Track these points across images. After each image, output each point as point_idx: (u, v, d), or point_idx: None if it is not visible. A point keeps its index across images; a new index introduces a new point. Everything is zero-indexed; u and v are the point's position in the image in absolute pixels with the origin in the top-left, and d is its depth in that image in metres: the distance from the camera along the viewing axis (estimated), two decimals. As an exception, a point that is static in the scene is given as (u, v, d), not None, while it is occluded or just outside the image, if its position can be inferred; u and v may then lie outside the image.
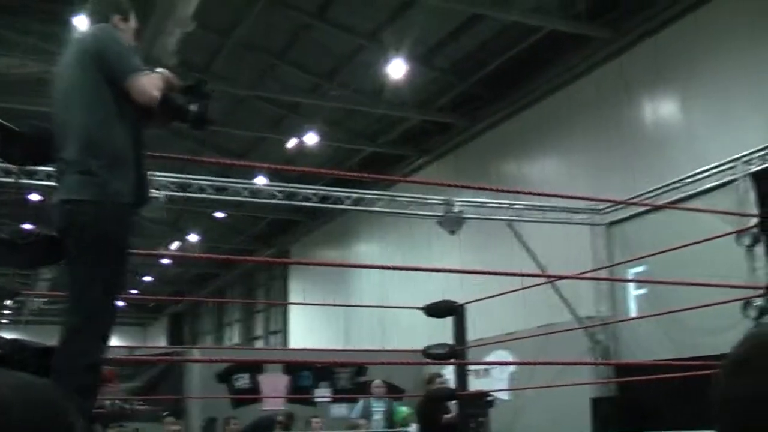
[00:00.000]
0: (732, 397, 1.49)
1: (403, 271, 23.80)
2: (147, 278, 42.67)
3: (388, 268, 8.88)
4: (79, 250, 4.54)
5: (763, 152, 13.53)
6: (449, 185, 8.30)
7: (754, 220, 12.23)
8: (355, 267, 26.17)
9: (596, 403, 15.91)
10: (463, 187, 9.60)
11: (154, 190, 12.73)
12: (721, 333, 13.00)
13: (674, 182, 15.19)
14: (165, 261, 36.81)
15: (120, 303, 5.35)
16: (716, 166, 14.40)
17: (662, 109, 17.99)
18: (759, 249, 13.09)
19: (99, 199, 4.51)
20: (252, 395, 17.98)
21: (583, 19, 18.43)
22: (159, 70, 4.81)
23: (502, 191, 9.80)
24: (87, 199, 4.51)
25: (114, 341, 4.72)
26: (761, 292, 10.86)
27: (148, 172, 4.98)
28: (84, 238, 4.51)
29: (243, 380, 18.40)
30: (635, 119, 18.50)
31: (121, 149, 4.63)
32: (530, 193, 9.08)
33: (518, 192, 9.68)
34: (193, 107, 4.90)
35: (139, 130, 4.76)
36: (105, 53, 4.71)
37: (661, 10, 17.60)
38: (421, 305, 11.38)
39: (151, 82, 4.63)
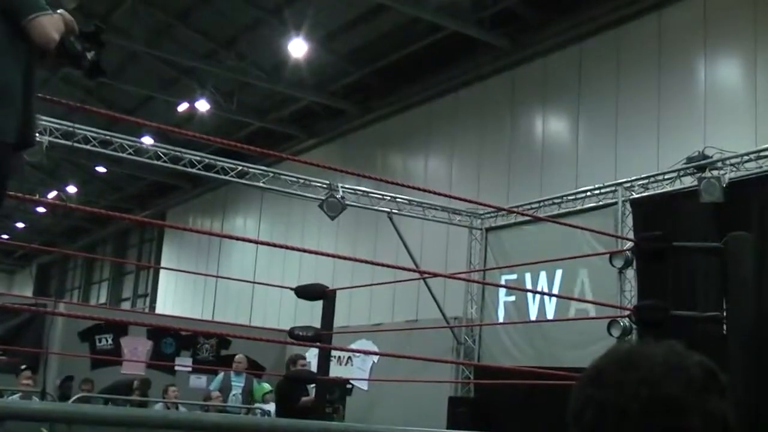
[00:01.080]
0: (584, 405, 1.54)
1: (277, 250, 23.71)
2: (18, 225, 41.74)
3: (264, 243, 8.83)
4: None
5: (644, 180, 13.84)
6: (336, 169, 8.29)
7: (628, 244, 12.50)
8: (230, 238, 26.07)
9: (453, 402, 16.09)
10: (349, 173, 9.64)
11: (37, 134, 12.43)
12: (582, 348, 13.30)
13: (555, 197, 15.47)
14: (39, 209, 36.04)
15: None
16: (598, 188, 14.68)
17: (549, 127, 18.35)
18: (630, 272, 13.41)
19: None
20: (113, 357, 17.70)
21: (486, 26, 18.63)
22: (60, 11, 4.65)
23: (388, 182, 9.82)
24: None
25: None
26: (627, 313, 11.12)
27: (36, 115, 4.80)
28: None
29: (105, 341, 18.11)
30: (520, 133, 18.86)
31: (8, 86, 4.43)
32: (416, 188, 9.16)
33: (404, 185, 9.69)
34: (89, 55, 4.77)
35: (30, 69, 4.54)
36: None
37: (555, 34, 18.02)
38: (292, 285, 11.38)
39: (52, 24, 4.46)
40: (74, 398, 13.89)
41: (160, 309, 33.63)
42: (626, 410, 1.48)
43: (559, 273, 14.51)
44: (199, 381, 18.12)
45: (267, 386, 15.71)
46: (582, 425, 1.54)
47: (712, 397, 1.50)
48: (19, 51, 4.48)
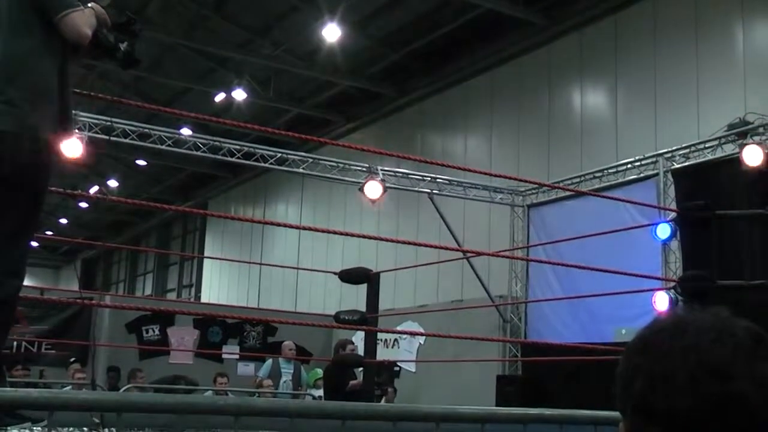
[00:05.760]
0: (632, 375, 1.53)
1: (320, 236, 23.78)
2: (62, 220, 42.09)
3: (306, 229, 8.79)
4: None
5: (685, 150, 13.74)
6: (375, 152, 8.29)
7: (671, 215, 12.43)
8: (273, 225, 26.14)
9: (501, 380, 16.08)
10: (388, 155, 9.69)
11: (77, 130, 12.53)
12: (628, 321, 13.24)
13: (596, 171, 15.40)
14: (82, 204, 36.33)
15: (33, 243, 5.18)
16: (639, 160, 14.60)
17: (587, 101, 18.23)
18: (674, 243, 13.32)
19: (18, 131, 4.34)
20: (160, 347, 17.83)
21: (519, 2, 18.53)
22: (91, 5, 4.68)
23: (428, 163, 9.80)
24: (5, 130, 4.31)
25: (25, 282, 4.58)
26: (672, 284, 11.06)
27: (73, 111, 4.85)
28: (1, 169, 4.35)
29: (152, 331, 18.25)
30: (558, 107, 18.76)
31: (45, 82, 4.46)
32: (456, 168, 9.14)
33: (443, 165, 9.67)
34: (122, 46, 4.80)
35: (65, 65, 4.59)
36: None
37: (590, 6, 17.90)
38: (336, 270, 11.40)
39: (83, 20, 4.49)
40: (125, 387, 14.02)
41: (205, 298, 33.86)
42: (674, 378, 1.46)
43: (602, 246, 14.45)
44: (246, 368, 18.20)
45: (320, 372, 15.75)
46: (630, 395, 1.53)
47: (760, 362, 1.48)
48: (55, 48, 4.52)
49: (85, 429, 4.41)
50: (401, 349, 18.81)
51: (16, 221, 4.42)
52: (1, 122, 4.32)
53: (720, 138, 13.12)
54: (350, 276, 11.59)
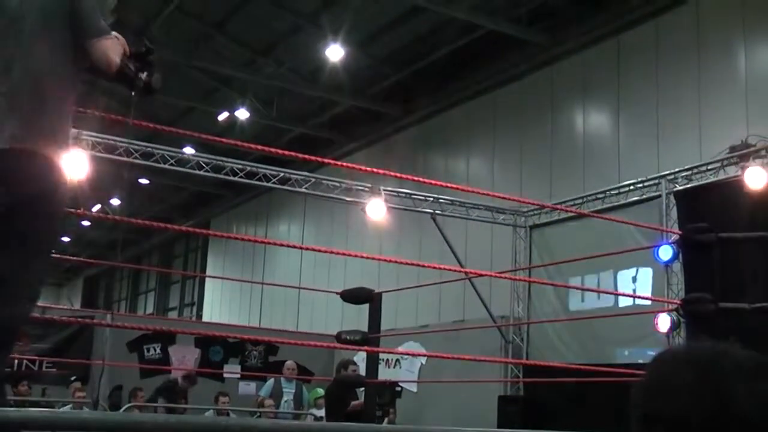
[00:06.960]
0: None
1: (322, 255, 23.75)
2: (64, 239, 42.07)
3: (308, 249, 8.74)
4: (11, 202, 4.19)
5: (687, 172, 13.74)
6: (378, 172, 8.30)
7: (674, 237, 12.42)
8: (275, 245, 26.13)
9: (503, 401, 16.04)
10: (391, 175, 9.68)
11: (81, 150, 12.54)
12: (631, 343, 13.22)
13: (598, 192, 15.37)
14: (84, 223, 36.33)
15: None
16: (641, 181, 14.58)
17: (589, 121, 18.26)
18: (676, 265, 13.29)
19: (38, 151, 4.20)
20: (161, 366, 17.79)
21: (522, 23, 18.59)
22: (114, 33, 4.66)
23: (430, 183, 9.77)
24: (26, 149, 4.19)
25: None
26: (674, 306, 11.04)
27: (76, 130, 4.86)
28: (20, 190, 4.19)
29: (154, 350, 18.22)
30: (561, 128, 18.79)
31: (65, 102, 4.41)
32: (458, 189, 9.12)
33: (446, 186, 9.68)
34: (143, 75, 4.81)
35: (80, 85, 4.62)
36: (78, 6, 4.51)
37: (592, 27, 17.93)
38: (338, 290, 11.39)
39: (114, 48, 4.45)
40: (125, 407, 14.01)
41: (206, 317, 33.84)
42: (679, 390, 1.48)
43: (604, 268, 14.45)
44: (248, 388, 18.17)
45: (320, 391, 15.72)
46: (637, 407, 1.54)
47: (760, 383, 1.49)
48: (77, 69, 4.51)
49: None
50: (403, 370, 18.76)
51: (36, 245, 4.36)
52: (22, 141, 4.27)
53: (722, 160, 13.11)
54: (352, 296, 11.57)
